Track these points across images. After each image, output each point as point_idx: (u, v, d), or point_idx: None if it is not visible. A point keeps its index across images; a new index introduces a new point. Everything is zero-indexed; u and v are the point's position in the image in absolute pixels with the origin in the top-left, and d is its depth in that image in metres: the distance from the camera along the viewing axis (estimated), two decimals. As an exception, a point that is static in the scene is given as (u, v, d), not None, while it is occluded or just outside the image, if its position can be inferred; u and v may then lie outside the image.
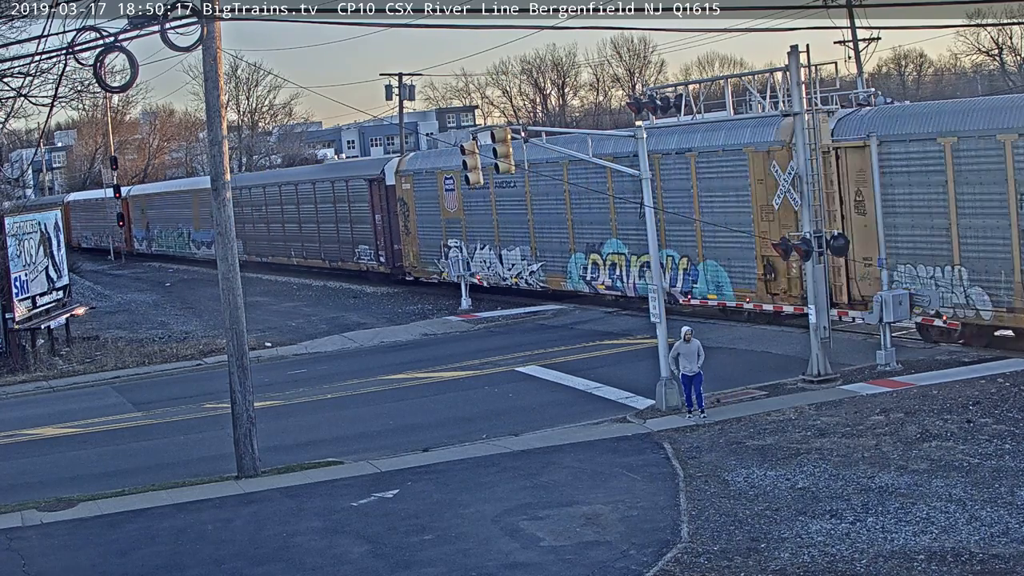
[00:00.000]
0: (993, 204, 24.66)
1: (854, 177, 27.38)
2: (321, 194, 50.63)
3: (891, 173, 26.58)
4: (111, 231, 74.46)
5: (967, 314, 25.51)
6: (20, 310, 34.69)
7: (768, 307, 29.94)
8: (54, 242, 39.04)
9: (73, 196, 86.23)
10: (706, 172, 30.85)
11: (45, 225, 38.57)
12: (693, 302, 32.38)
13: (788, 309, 29.28)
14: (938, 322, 26.07)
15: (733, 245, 30.60)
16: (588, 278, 35.95)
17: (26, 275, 35.68)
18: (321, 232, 50.74)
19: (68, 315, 38.88)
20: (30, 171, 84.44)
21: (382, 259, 46.57)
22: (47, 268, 37.99)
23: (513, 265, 39.18)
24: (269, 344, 36.06)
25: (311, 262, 51.76)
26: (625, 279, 34.53)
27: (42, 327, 36.61)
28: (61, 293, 39.16)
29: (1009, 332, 25.71)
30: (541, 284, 38.28)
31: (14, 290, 34.40)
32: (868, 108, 27.74)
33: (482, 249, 40.39)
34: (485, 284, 40.64)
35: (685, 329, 22.52)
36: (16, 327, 34.82)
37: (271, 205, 55.07)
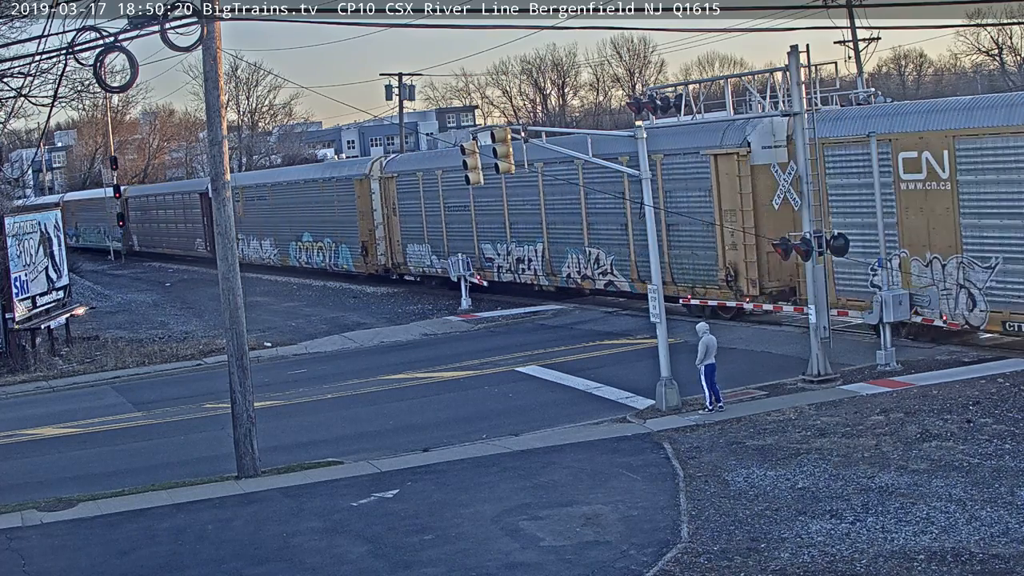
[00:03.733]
0: (464, 211, 42.18)
1: (399, 194, 46.48)
2: (176, 202, 70.96)
3: (404, 193, 46.04)
4: None
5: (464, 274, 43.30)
6: (20, 310, 34.68)
7: (363, 272, 49.41)
8: (54, 242, 39.05)
9: (18, 202, 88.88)
10: (337, 192, 50.70)
11: (45, 225, 38.57)
12: (336, 270, 51.55)
13: (373, 272, 48.63)
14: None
15: (350, 235, 49.72)
16: (297, 257, 55.03)
17: (26, 275, 35.67)
18: (178, 228, 70.65)
19: (68, 315, 38.88)
20: (30, 171, 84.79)
21: (208, 248, 63.44)
22: (47, 268, 37.99)
23: (267, 250, 58.72)
24: (269, 344, 36.06)
25: (173, 251, 71.45)
26: (312, 257, 53.72)
27: (42, 327, 36.60)
28: (61, 293, 39.17)
29: (484, 283, 41.50)
30: (279, 262, 56.90)
31: (14, 290, 34.39)
32: (413, 153, 42.90)
33: (253, 241, 59.71)
34: (260, 263, 58.70)
35: (704, 325, 23.10)
36: (16, 327, 34.80)
37: (154, 209, 75.22)
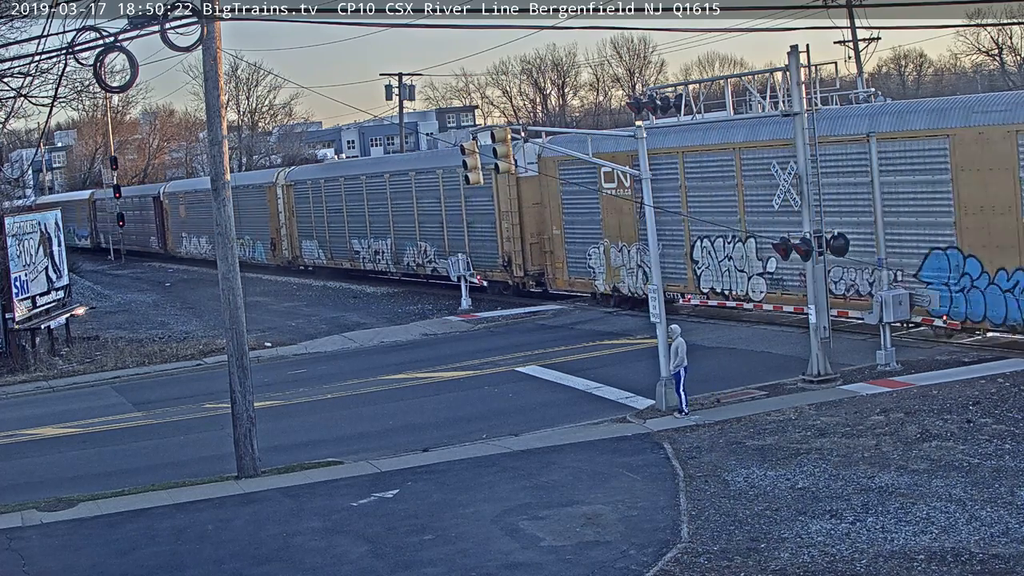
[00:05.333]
0: (339, 213, 50.95)
1: (296, 200, 55.28)
2: (136, 204, 79.12)
3: (300, 198, 54.89)
4: None
5: (333, 263, 52.84)
6: (20, 310, 34.68)
7: (273, 264, 57.55)
8: (54, 242, 39.04)
9: (18, 202, 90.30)
10: (254, 197, 59.02)
11: (45, 225, 38.56)
12: (254, 262, 57.60)
13: (280, 264, 56.96)
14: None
15: (263, 233, 58.67)
16: (241, 254, 56.00)
17: (26, 275, 35.67)
18: (137, 227, 78.90)
19: (68, 315, 38.88)
20: (30, 171, 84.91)
21: (160, 244, 74.81)
22: (47, 268, 37.98)
23: (203, 246, 65.66)
24: (269, 344, 36.06)
25: (132, 246, 79.40)
26: (250, 253, 59.37)
27: (42, 327, 36.60)
28: (61, 293, 39.16)
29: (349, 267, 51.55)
30: (212, 256, 67.89)
31: (14, 290, 34.38)
32: (307, 165, 49.87)
33: (197, 239, 67.68)
34: (199, 258, 66.88)
35: (676, 327, 23.10)
36: (16, 327, 34.80)
37: (124, 210, 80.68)
